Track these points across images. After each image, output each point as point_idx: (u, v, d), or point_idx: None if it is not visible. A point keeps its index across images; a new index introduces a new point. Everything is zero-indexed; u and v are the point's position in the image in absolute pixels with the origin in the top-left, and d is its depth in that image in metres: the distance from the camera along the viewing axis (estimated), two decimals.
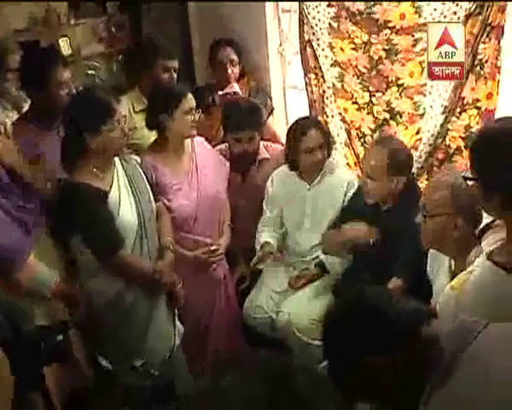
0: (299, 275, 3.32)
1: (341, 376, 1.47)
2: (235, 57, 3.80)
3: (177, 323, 2.97)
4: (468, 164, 3.09)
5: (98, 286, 2.71)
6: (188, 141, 3.14)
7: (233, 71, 3.78)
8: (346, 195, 3.22)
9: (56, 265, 2.71)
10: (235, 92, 3.70)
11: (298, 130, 3.19)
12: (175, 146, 3.09)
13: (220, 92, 3.70)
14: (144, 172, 2.87)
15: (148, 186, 2.84)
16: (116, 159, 2.74)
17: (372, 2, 3.21)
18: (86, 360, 2.54)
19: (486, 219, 2.42)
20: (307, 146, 3.15)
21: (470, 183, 1.88)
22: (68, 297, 2.63)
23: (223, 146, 3.50)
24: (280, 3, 3.79)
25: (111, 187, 2.67)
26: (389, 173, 2.79)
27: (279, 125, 3.91)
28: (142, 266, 2.75)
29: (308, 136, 3.14)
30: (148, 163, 3.00)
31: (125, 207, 2.69)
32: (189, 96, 3.04)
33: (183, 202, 3.07)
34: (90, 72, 4.21)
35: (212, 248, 3.15)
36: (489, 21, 2.92)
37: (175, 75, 3.57)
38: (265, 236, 3.33)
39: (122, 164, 2.77)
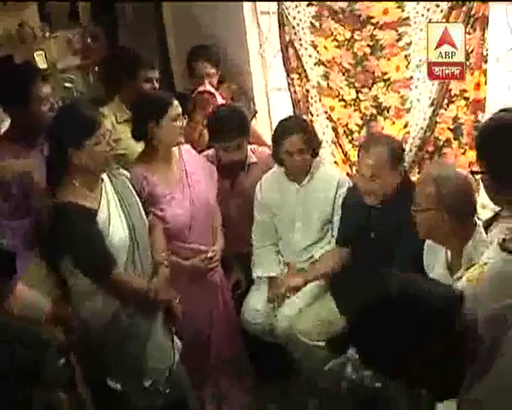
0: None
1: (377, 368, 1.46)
2: (211, 70, 3.77)
3: (175, 338, 2.91)
4: (457, 156, 3.18)
5: (93, 307, 2.65)
6: (175, 149, 3.10)
7: (210, 82, 3.74)
8: (337, 192, 3.20)
9: (48, 287, 2.64)
10: (209, 92, 3.64)
11: (278, 133, 3.18)
12: (164, 155, 3.04)
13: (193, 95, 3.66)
14: (134, 186, 2.81)
15: (139, 200, 2.79)
16: (104, 175, 2.69)
17: None
18: (85, 384, 2.49)
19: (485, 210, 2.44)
20: (287, 150, 3.13)
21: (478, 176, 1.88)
22: (62, 320, 2.55)
23: (210, 152, 3.45)
24: (258, 5, 3.75)
25: (99, 205, 2.62)
26: (392, 167, 2.79)
27: (263, 127, 3.88)
28: (136, 285, 2.69)
29: (288, 140, 3.11)
30: (139, 175, 2.94)
31: (116, 224, 2.63)
32: (175, 103, 3.00)
33: (177, 211, 3.02)
34: (67, 85, 4.14)
35: (209, 255, 3.11)
36: (473, 12, 2.94)
37: (157, 85, 3.52)
38: (268, 263, 3.31)
39: (111, 180, 2.71)
